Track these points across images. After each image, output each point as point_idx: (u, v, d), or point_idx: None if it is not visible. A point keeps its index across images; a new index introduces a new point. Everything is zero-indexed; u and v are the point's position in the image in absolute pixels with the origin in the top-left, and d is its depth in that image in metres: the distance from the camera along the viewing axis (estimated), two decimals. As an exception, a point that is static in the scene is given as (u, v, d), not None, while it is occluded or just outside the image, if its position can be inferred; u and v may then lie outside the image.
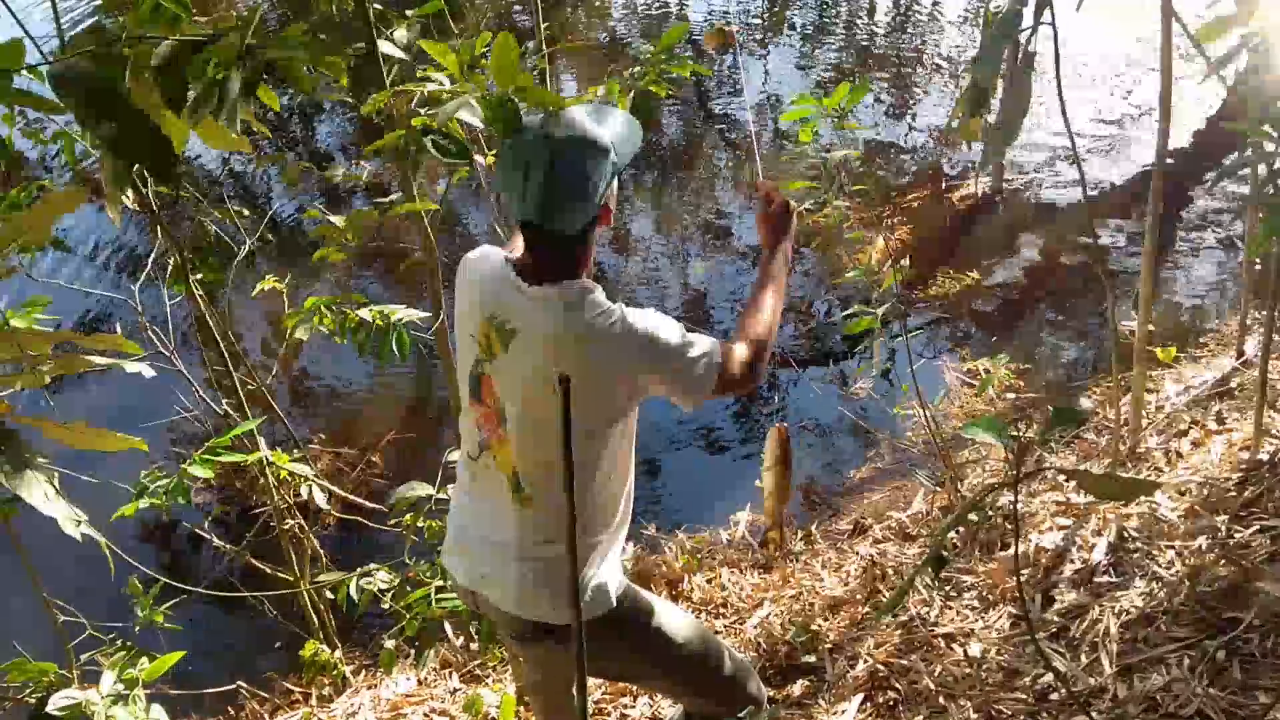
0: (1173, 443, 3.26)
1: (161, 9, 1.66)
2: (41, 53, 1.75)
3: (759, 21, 9.21)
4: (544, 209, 1.73)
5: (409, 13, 2.10)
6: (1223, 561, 2.45)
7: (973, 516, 2.60)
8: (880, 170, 6.30)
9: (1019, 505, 3.00)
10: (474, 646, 3.30)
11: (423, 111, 1.91)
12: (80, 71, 1.49)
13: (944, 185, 5.95)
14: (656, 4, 9.81)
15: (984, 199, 5.81)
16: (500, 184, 1.80)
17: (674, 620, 2.10)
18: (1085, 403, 4.08)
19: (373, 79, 2.23)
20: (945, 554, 1.47)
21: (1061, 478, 3.11)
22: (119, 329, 5.51)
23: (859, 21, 9.09)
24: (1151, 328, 3.11)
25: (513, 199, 1.76)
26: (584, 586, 1.94)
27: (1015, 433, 1.33)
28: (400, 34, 2.01)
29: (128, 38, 1.56)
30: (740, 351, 1.91)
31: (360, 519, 3.27)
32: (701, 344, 1.85)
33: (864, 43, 8.55)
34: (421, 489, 2.53)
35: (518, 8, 9.85)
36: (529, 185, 1.72)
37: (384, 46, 2.00)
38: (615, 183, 1.84)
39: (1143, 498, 2.79)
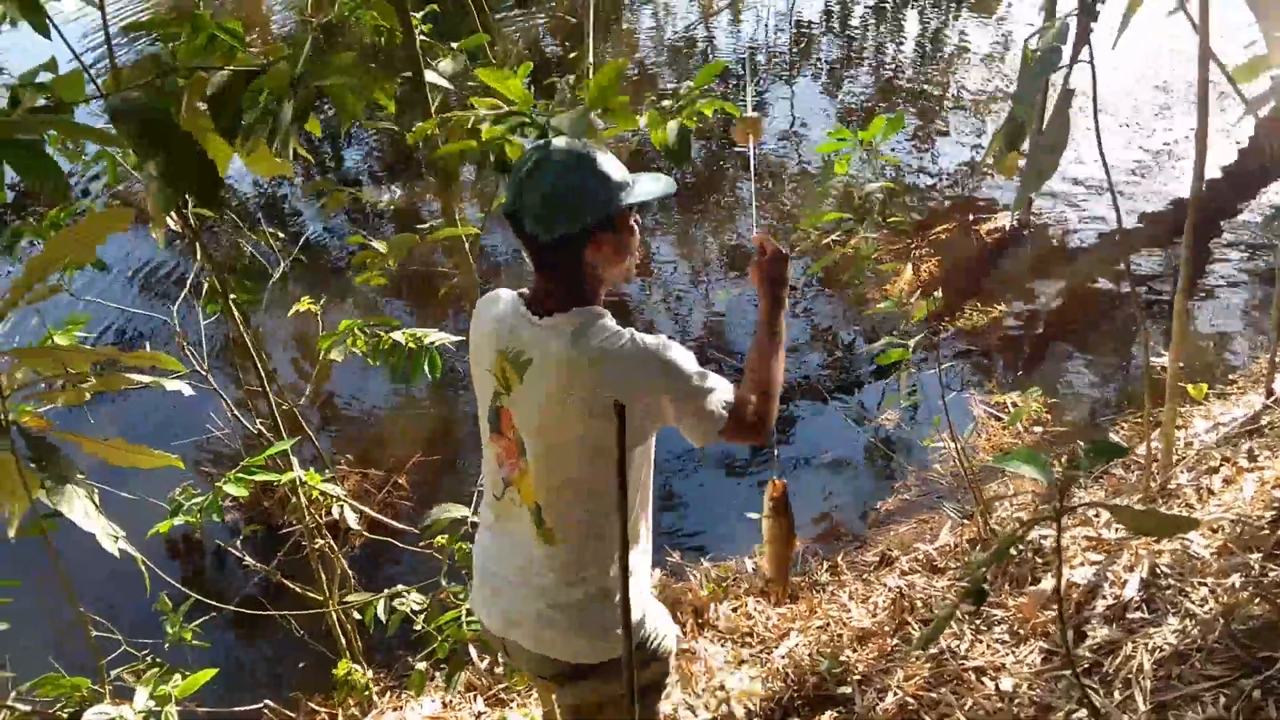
0: (1204, 479, 3.24)
1: (216, 40, 1.70)
2: (96, 84, 1.79)
3: (786, 53, 9.26)
4: (521, 204, 1.77)
5: (453, 45, 2.14)
6: (1257, 600, 2.43)
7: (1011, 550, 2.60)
8: (909, 202, 6.32)
9: (1050, 541, 3.00)
10: (499, 670, 3.31)
11: (485, 129, 1.93)
12: (136, 104, 1.53)
13: (972, 218, 5.95)
14: (682, 36, 9.88)
15: (1012, 232, 5.80)
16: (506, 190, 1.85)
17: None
18: (1114, 437, 4.07)
19: (408, 102, 2.27)
20: (985, 587, 1.47)
21: (1092, 512, 3.09)
22: (148, 347, 5.58)
23: (886, 54, 9.13)
24: (1181, 364, 3.11)
25: (505, 196, 1.81)
26: (612, 623, 1.94)
27: (1058, 468, 1.34)
28: (445, 65, 2.05)
29: (183, 68, 1.59)
30: (751, 400, 1.93)
31: (389, 540, 3.29)
32: (717, 381, 1.87)
33: (890, 75, 8.57)
34: (457, 511, 2.55)
35: (547, 37, 9.96)
36: (517, 182, 1.78)
37: (430, 76, 2.04)
38: (631, 226, 1.88)
39: (1172, 536, 2.79)
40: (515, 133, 1.83)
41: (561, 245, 1.78)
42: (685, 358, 1.83)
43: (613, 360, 1.78)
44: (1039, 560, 3.03)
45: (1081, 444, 3.50)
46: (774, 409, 1.96)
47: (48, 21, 2.84)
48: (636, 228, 1.91)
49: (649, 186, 1.87)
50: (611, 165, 1.81)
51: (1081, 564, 2.87)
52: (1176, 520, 1.95)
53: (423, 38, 2.09)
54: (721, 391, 1.86)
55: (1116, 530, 2.93)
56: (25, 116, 1.43)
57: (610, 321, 1.83)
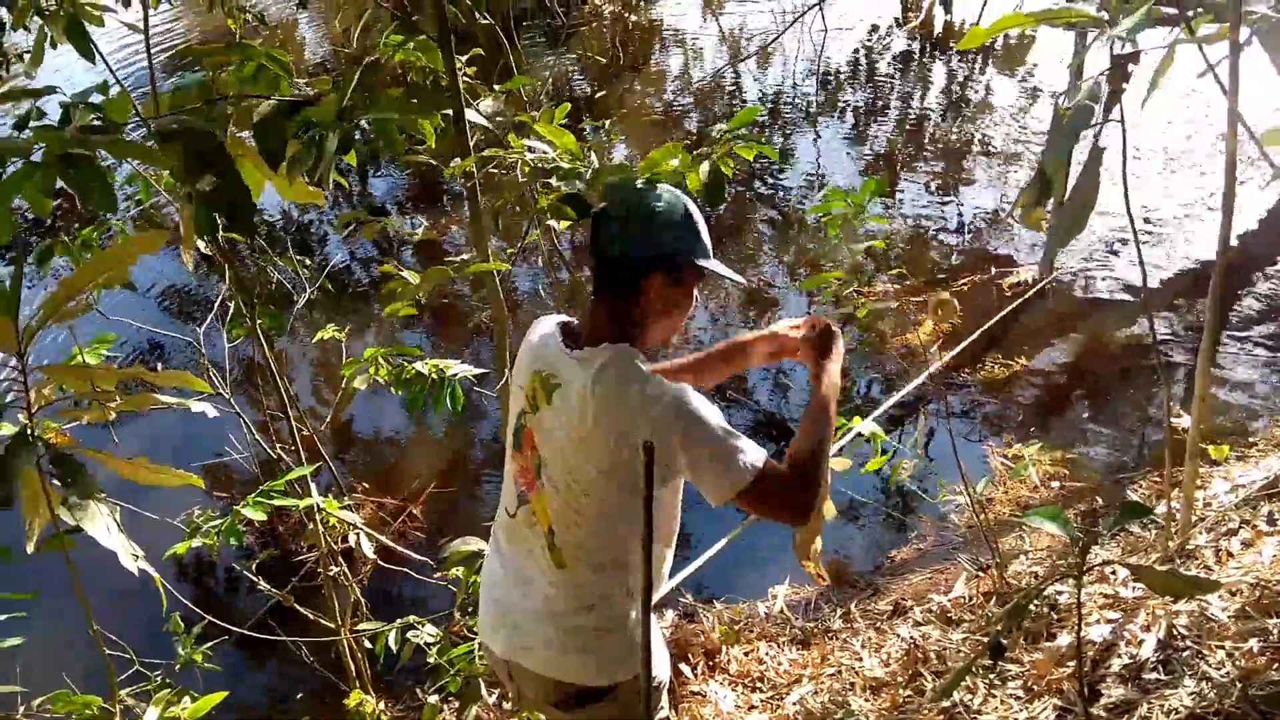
0: (1223, 541, 3.22)
1: (264, 70, 1.73)
2: (138, 111, 1.82)
3: (813, 100, 9.33)
4: (611, 214, 1.89)
5: (495, 86, 2.18)
6: (1275, 665, 2.41)
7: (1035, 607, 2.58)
8: (931, 253, 6.34)
9: (1066, 597, 2.98)
10: (507, 705, 3.29)
11: (544, 178, 1.99)
12: (185, 127, 1.56)
13: (994, 270, 5.96)
14: (708, 78, 9.97)
15: (1033, 286, 5.81)
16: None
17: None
18: (1132, 495, 4.05)
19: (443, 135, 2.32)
20: (1004, 642, 1.47)
21: (1109, 569, 3.08)
22: (161, 367, 5.63)
23: (911, 104, 9.18)
24: (1201, 424, 3.10)
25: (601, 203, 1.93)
26: (621, 649, 1.94)
27: (1081, 526, 1.33)
28: (486, 104, 2.08)
29: (233, 96, 1.63)
30: (785, 473, 1.85)
31: (402, 569, 3.30)
32: (748, 444, 1.83)
33: (914, 125, 8.63)
34: (475, 544, 2.55)
35: (577, 77, 10.06)
36: (620, 197, 1.91)
37: (471, 115, 2.07)
38: (691, 288, 1.97)
39: (1190, 597, 2.77)
40: (564, 184, 1.89)
41: (625, 265, 1.87)
42: (708, 408, 1.83)
43: (633, 397, 1.80)
44: (1054, 616, 3.01)
45: (1101, 501, 3.47)
46: (810, 488, 1.85)
47: (91, 45, 2.90)
48: (696, 294, 1.99)
49: (723, 266, 1.99)
50: (702, 228, 1.93)
51: (1098, 622, 2.85)
52: (1197, 582, 1.94)
53: (465, 79, 2.13)
54: (750, 454, 1.81)
55: (1134, 589, 2.91)
56: (81, 135, 1.46)
57: (641, 363, 1.86)
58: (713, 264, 1.95)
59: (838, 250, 6.16)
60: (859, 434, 3.19)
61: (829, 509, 2.32)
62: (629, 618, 1.95)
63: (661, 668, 2.12)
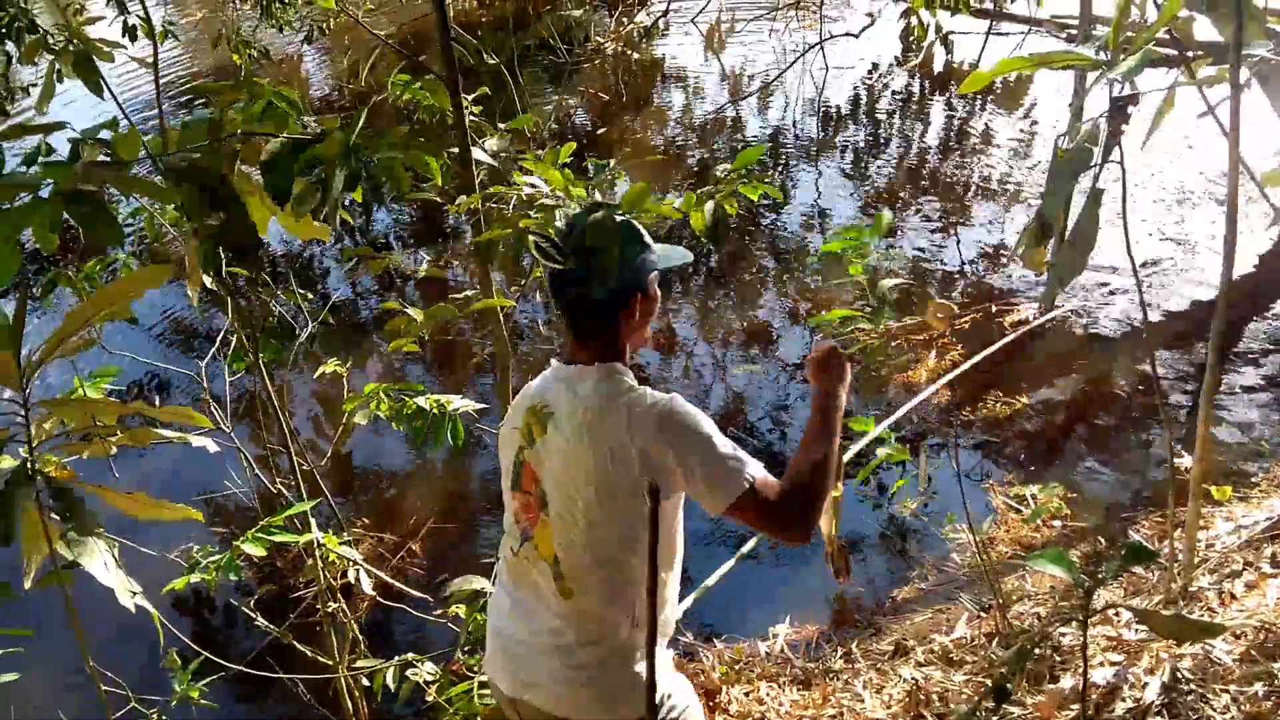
0: (1226, 583, 3.21)
1: (272, 107, 1.74)
2: (146, 149, 1.83)
3: (813, 137, 9.38)
4: (567, 268, 1.91)
5: (501, 125, 2.20)
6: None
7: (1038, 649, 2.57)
8: (931, 291, 6.35)
9: (1070, 638, 2.96)
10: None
11: (532, 214, 2.00)
12: (194, 164, 1.57)
13: (994, 309, 5.97)
14: (710, 115, 10.04)
15: (1035, 324, 5.82)
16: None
17: None
18: (1135, 535, 4.03)
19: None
20: (1008, 686, 1.45)
21: (1113, 610, 3.06)
22: (158, 400, 5.62)
23: (911, 142, 9.24)
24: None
25: (549, 263, 1.95)
26: (630, 683, 1.92)
27: (1086, 569, 1.33)
28: (491, 143, 2.10)
29: (241, 133, 1.64)
30: (783, 488, 1.84)
31: (404, 606, 3.28)
32: (745, 456, 1.84)
33: (914, 164, 8.67)
34: (477, 582, 2.54)
35: (579, 114, 10.12)
36: (564, 248, 1.92)
37: (477, 153, 2.08)
38: (656, 293, 2.01)
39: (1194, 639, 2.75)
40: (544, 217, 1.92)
41: (602, 306, 1.91)
42: (700, 417, 1.85)
43: (621, 409, 1.84)
44: (1057, 658, 2.99)
45: (1103, 541, 3.46)
46: (808, 504, 1.83)
47: (100, 80, 2.92)
48: (658, 294, 2.03)
49: (672, 255, 2.02)
50: (644, 234, 1.97)
51: (1102, 664, 2.83)
52: (1202, 626, 1.93)
53: (471, 118, 2.15)
54: (748, 465, 1.82)
55: (1138, 631, 2.90)
56: (88, 169, 1.46)
57: (629, 377, 1.92)
58: (666, 261, 2.00)
59: (843, 288, 6.19)
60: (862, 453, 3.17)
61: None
62: (637, 650, 1.94)
63: (691, 710, 2.08)
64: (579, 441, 1.86)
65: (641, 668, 1.92)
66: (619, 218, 1.93)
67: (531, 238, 1.92)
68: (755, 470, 1.83)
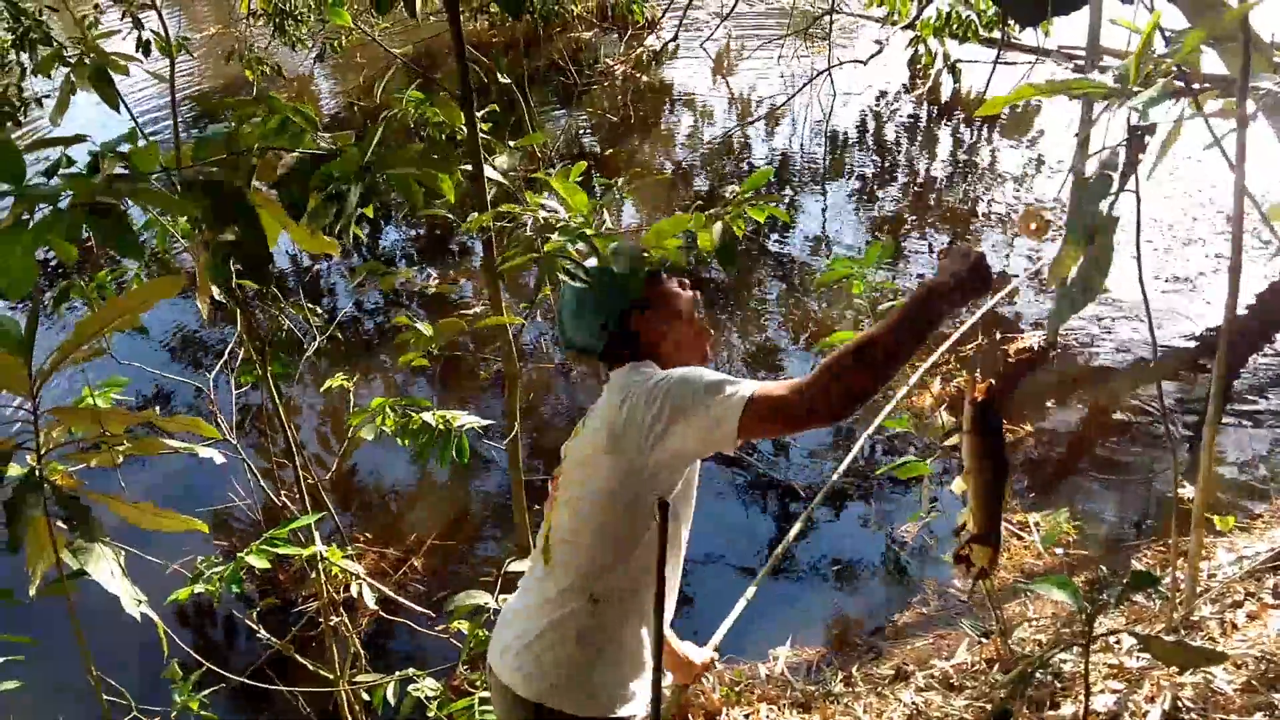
0: (1228, 613, 3.21)
1: (288, 123, 1.76)
2: (162, 165, 1.85)
3: (820, 162, 9.43)
4: (567, 333, 2.10)
5: (511, 142, 2.22)
6: (1281, 741, 2.39)
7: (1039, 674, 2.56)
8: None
9: (1071, 665, 2.96)
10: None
11: (552, 237, 2.04)
12: (212, 179, 1.59)
13: (999, 335, 5.98)
14: (718, 138, 10.09)
15: (1039, 353, 5.83)
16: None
17: None
18: (1137, 564, 4.03)
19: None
20: (1009, 711, 1.45)
21: (1114, 638, 3.06)
22: (158, 410, 5.64)
23: (918, 168, 9.28)
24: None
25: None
26: (563, 671, 1.95)
27: (1090, 594, 1.34)
28: (502, 160, 2.12)
29: (258, 148, 1.66)
30: (804, 379, 1.65)
31: (405, 621, 3.28)
32: (731, 383, 1.73)
33: (920, 190, 8.71)
34: (480, 597, 2.55)
35: (588, 135, 10.18)
36: (560, 322, 2.11)
37: (489, 171, 2.10)
38: (665, 292, 2.07)
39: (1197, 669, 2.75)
40: (573, 243, 1.96)
41: (612, 338, 2.02)
42: (696, 372, 1.81)
43: (631, 390, 1.86)
44: (1058, 684, 2.98)
45: (1104, 569, 3.46)
46: (845, 384, 1.58)
47: (116, 94, 2.95)
48: (680, 290, 2.08)
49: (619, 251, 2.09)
50: (620, 263, 2.04)
51: (1103, 691, 2.83)
52: (1204, 654, 1.94)
53: (482, 135, 2.18)
54: (741, 386, 1.71)
55: (1139, 659, 2.90)
56: (107, 183, 1.48)
57: (651, 366, 1.96)
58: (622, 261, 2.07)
59: (844, 315, 6.21)
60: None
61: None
62: (579, 632, 1.94)
63: (632, 704, 2.00)
64: (597, 414, 1.95)
65: (588, 669, 1.95)
66: (587, 270, 2.03)
67: (561, 262, 1.95)
68: (747, 388, 1.70)
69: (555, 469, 2.10)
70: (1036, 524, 3.97)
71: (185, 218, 2.63)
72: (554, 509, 2.01)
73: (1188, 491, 4.00)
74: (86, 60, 3.12)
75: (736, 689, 3.60)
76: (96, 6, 9.91)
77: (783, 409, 1.64)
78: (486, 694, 2.61)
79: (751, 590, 3.28)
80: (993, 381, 1.60)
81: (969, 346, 5.86)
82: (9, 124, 6.29)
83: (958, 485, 1.63)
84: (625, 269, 2.01)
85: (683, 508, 2.02)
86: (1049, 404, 5.48)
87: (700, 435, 1.75)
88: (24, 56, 6.27)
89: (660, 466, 1.84)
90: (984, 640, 3.57)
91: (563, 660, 1.94)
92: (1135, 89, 2.24)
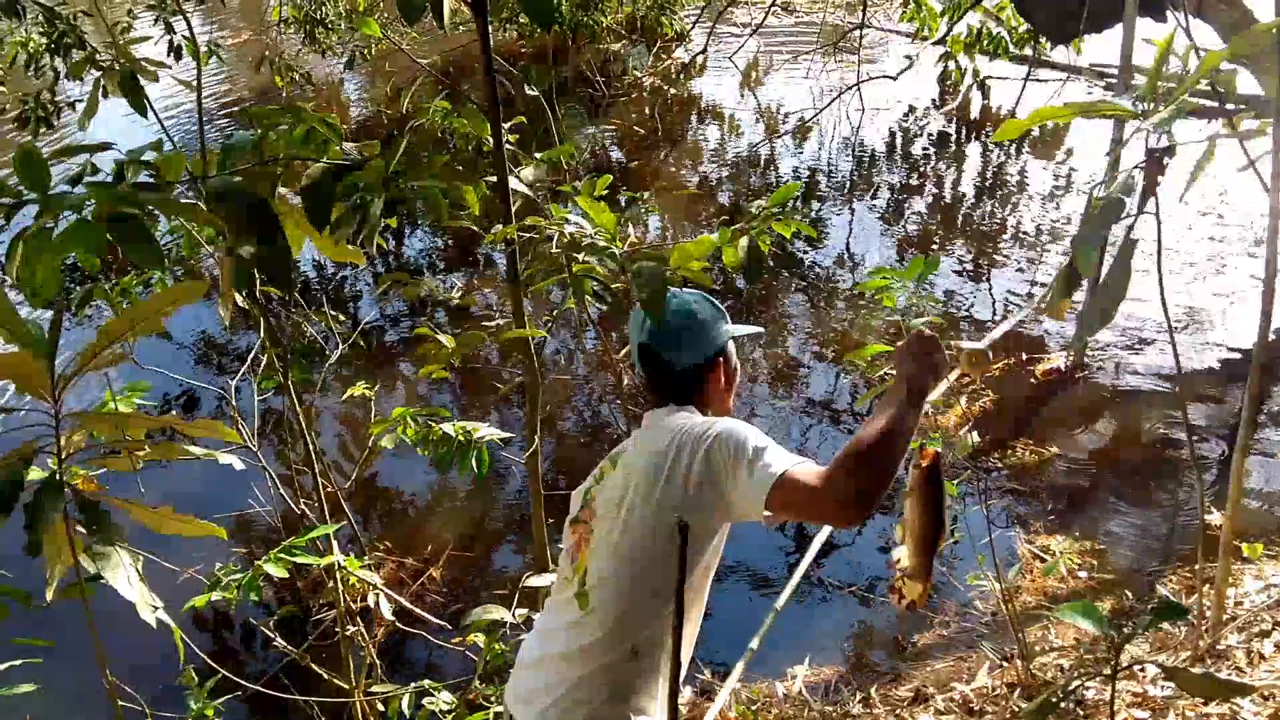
0: (1255, 643, 3.15)
1: (315, 132, 1.76)
2: (189, 170, 1.85)
3: (847, 177, 9.39)
4: (656, 339, 2.05)
5: (538, 154, 2.21)
6: (1310, 776, 2.34)
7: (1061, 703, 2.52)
8: (961, 336, 6.31)
9: (1094, 693, 2.91)
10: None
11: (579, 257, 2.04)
12: (237, 188, 1.59)
13: (1025, 356, 5.93)
14: (745, 152, 10.07)
15: (1065, 374, 5.78)
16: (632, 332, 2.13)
17: None
18: (1162, 590, 3.98)
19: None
20: (1032, 739, 1.43)
21: (1138, 668, 3.01)
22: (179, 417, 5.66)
23: (945, 185, 9.23)
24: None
25: (636, 334, 2.10)
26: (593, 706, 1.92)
27: (1116, 623, 1.31)
28: (528, 172, 2.11)
29: (284, 157, 1.65)
30: (827, 469, 1.68)
31: (422, 633, 3.27)
32: (773, 453, 1.76)
33: (947, 207, 8.66)
34: (497, 612, 2.53)
35: (614, 147, 10.18)
36: (650, 321, 2.05)
37: (514, 183, 2.10)
38: (735, 361, 2.15)
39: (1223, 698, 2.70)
40: (594, 259, 1.95)
41: (691, 372, 2.05)
42: (742, 431, 1.83)
43: (676, 433, 1.88)
44: (1081, 712, 2.94)
45: (1130, 594, 3.41)
46: (865, 483, 1.63)
47: (145, 100, 2.96)
48: (739, 365, 2.18)
49: (742, 326, 2.17)
50: (719, 306, 2.13)
51: (1126, 720, 2.79)
52: (1231, 685, 1.90)
53: (508, 147, 2.17)
54: (779, 461, 1.73)
55: (1164, 688, 2.85)
56: (130, 191, 1.48)
57: (697, 414, 2.00)
58: (739, 330, 2.14)
59: (872, 330, 6.18)
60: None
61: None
62: (620, 683, 1.92)
63: None
64: (636, 457, 1.94)
65: (607, 709, 1.91)
66: (697, 293, 2.09)
67: (590, 284, 1.95)
68: (784, 463, 1.73)
69: (574, 516, 2.09)
70: (1060, 550, 3.92)
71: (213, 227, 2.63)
72: (584, 554, 1.98)
73: (1215, 517, 3.94)
74: (117, 66, 3.14)
75: (754, 708, 3.56)
76: (130, 12, 10.01)
77: (804, 503, 1.71)
78: (500, 708, 2.59)
79: (783, 597, 3.25)
80: (938, 451, 1.74)
81: (995, 367, 5.82)
82: (41, 128, 6.36)
83: (899, 532, 1.81)
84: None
85: (713, 559, 2.00)
86: (1074, 426, 5.43)
87: (738, 497, 1.80)
88: (58, 61, 6.32)
89: (703, 514, 1.86)
90: (1005, 664, 3.53)
91: (593, 717, 1.92)
92: (1154, 108, 2.21)
